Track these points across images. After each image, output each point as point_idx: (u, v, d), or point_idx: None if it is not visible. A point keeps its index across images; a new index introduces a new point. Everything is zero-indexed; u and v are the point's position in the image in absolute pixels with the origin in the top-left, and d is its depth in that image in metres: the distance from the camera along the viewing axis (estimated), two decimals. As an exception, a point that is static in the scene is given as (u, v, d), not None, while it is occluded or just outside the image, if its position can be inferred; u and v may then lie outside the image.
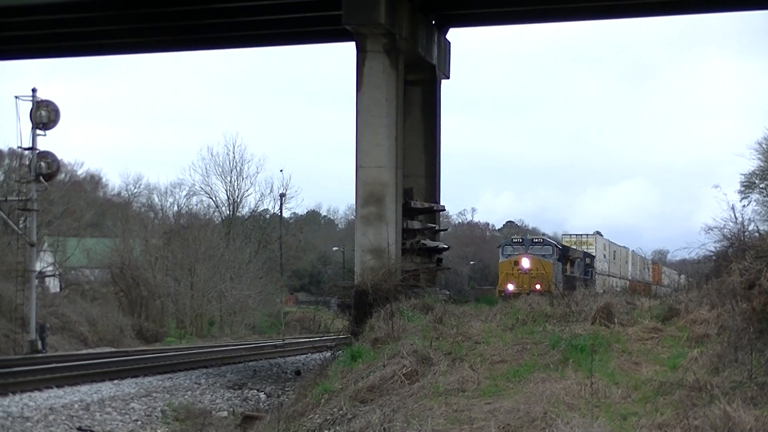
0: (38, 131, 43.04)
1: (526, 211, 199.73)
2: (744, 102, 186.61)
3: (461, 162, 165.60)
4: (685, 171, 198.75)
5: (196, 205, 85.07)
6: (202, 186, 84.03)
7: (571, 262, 54.80)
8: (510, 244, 52.27)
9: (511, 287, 45.75)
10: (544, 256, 49.50)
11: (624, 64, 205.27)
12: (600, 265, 64.98)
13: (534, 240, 53.42)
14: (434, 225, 35.03)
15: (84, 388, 27.37)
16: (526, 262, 48.52)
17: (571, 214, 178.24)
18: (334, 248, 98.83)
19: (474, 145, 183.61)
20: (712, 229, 21.73)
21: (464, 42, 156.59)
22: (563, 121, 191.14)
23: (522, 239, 53.74)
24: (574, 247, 60.80)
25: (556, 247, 52.28)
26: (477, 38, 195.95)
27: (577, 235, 68.13)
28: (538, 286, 40.10)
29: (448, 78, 36.52)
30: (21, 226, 47.87)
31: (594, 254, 63.39)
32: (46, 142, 43.73)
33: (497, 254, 54.58)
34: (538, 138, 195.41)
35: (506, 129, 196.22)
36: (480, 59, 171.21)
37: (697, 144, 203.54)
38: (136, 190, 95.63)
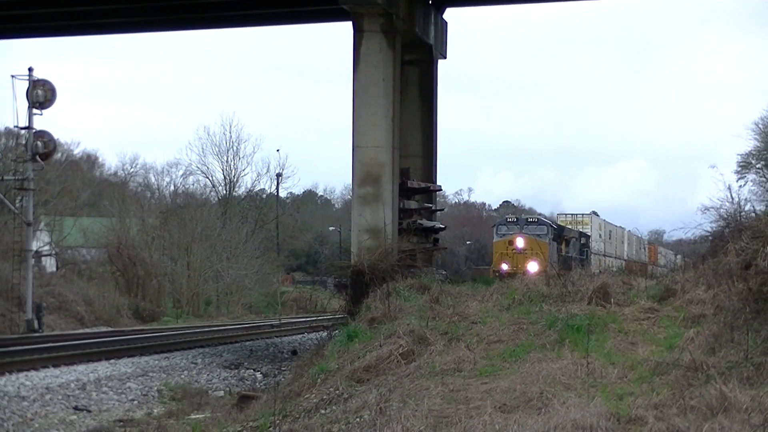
0: (35, 110, 42.94)
1: (525, 192, 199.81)
2: (744, 82, 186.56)
3: (460, 142, 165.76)
4: (684, 151, 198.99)
5: (193, 184, 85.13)
6: (199, 166, 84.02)
7: (566, 241, 54.57)
8: (504, 224, 51.81)
9: (505, 267, 45.54)
10: (538, 235, 49.07)
11: (624, 45, 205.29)
12: (596, 245, 64.89)
13: (529, 219, 52.90)
14: (431, 205, 35.01)
15: (80, 367, 27.39)
16: (520, 242, 48.10)
17: (569, 194, 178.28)
18: (331, 228, 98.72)
19: (473, 126, 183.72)
20: (708, 210, 21.78)
21: (463, 22, 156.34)
22: (562, 101, 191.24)
23: (516, 219, 53.27)
24: (570, 226, 60.57)
25: (551, 226, 51.94)
26: (476, 18, 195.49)
27: (572, 214, 67.81)
28: (531, 268, 39.86)
29: (445, 58, 36.45)
30: (17, 205, 47.80)
31: (589, 234, 63.25)
32: (43, 121, 43.65)
33: (492, 234, 54.18)
34: (536, 118, 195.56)
35: (505, 109, 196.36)
36: (479, 40, 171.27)
37: (696, 124, 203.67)
38: (132, 170, 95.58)
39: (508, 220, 53.48)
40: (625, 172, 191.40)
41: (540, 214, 74.01)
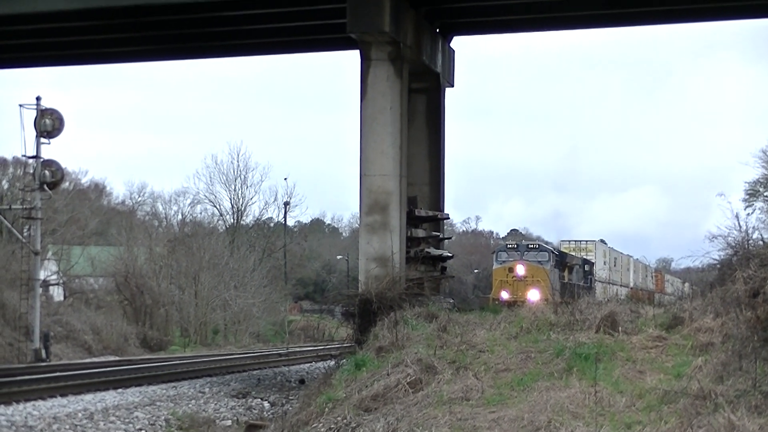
0: (42, 140, 43.13)
1: (535, 219, 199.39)
2: (755, 109, 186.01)
3: (470, 169, 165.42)
4: (695, 178, 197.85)
5: (200, 213, 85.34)
6: (206, 194, 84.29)
7: (569, 268, 53.85)
8: (504, 250, 50.85)
9: (505, 295, 44.98)
10: (540, 262, 48.12)
11: (635, 72, 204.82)
12: (601, 272, 64.48)
13: (529, 246, 51.90)
14: (438, 233, 35.02)
15: (88, 397, 27.37)
16: (521, 269, 47.07)
17: (579, 221, 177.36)
18: (339, 256, 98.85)
19: (484, 153, 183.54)
20: (716, 238, 21.73)
21: (473, 49, 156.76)
22: (573, 128, 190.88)
23: (517, 245, 52.27)
24: (573, 253, 60.01)
25: (553, 253, 51.12)
26: (486, 45, 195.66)
27: (576, 241, 67.21)
28: (532, 296, 39.53)
29: (452, 86, 36.51)
30: (25, 234, 47.92)
31: (594, 261, 62.75)
32: (51, 150, 43.73)
33: (492, 261, 53.25)
34: (547, 145, 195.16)
35: (516, 136, 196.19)
36: (489, 66, 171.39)
37: (707, 151, 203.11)
38: (140, 199, 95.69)
39: (509, 246, 52.59)
40: (636, 199, 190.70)
41: (547, 242, 73.66)
